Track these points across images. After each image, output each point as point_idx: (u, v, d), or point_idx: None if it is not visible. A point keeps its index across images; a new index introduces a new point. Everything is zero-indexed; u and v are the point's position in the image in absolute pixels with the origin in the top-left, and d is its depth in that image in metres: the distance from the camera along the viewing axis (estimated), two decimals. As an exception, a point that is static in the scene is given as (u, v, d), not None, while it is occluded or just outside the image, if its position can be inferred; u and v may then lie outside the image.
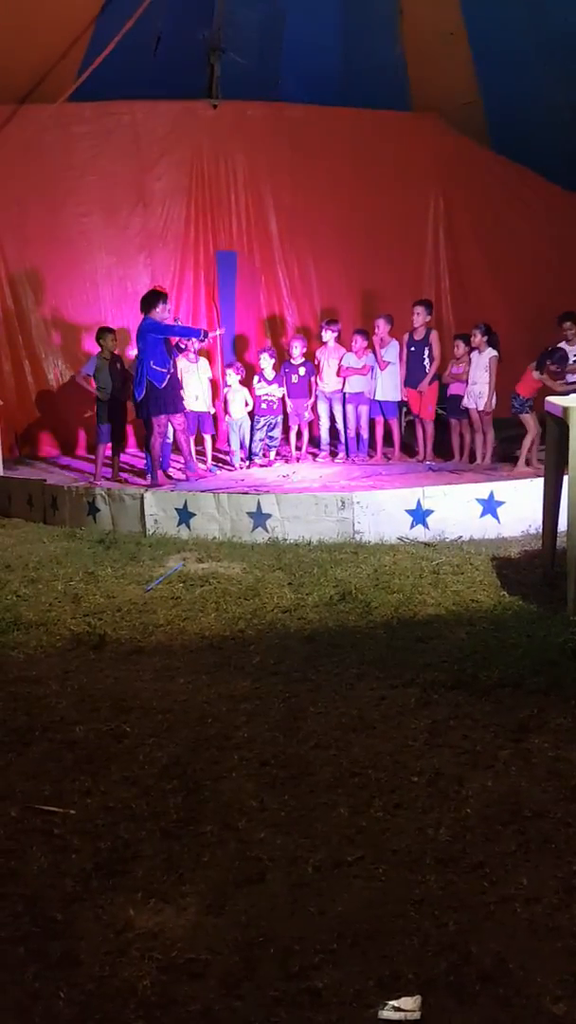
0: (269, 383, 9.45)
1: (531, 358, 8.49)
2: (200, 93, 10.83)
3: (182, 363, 9.28)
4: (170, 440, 9.09)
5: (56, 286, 10.34)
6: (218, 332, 9.42)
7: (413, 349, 9.13)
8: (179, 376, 9.22)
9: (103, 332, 8.99)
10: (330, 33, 10.58)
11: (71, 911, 2.69)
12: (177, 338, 8.76)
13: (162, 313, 8.42)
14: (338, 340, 9.61)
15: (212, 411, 9.52)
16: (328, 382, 9.54)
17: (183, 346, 8.96)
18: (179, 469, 9.15)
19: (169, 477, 8.89)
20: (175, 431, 8.74)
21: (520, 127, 10.61)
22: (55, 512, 8.07)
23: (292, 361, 9.57)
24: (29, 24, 9.01)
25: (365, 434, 9.59)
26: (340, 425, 9.68)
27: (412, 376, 9.15)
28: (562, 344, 8.47)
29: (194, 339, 8.97)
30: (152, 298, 8.46)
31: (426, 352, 9.06)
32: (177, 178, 10.74)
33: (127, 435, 9.56)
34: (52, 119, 10.09)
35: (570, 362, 8.42)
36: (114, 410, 8.91)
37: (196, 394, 9.27)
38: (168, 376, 8.37)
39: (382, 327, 9.26)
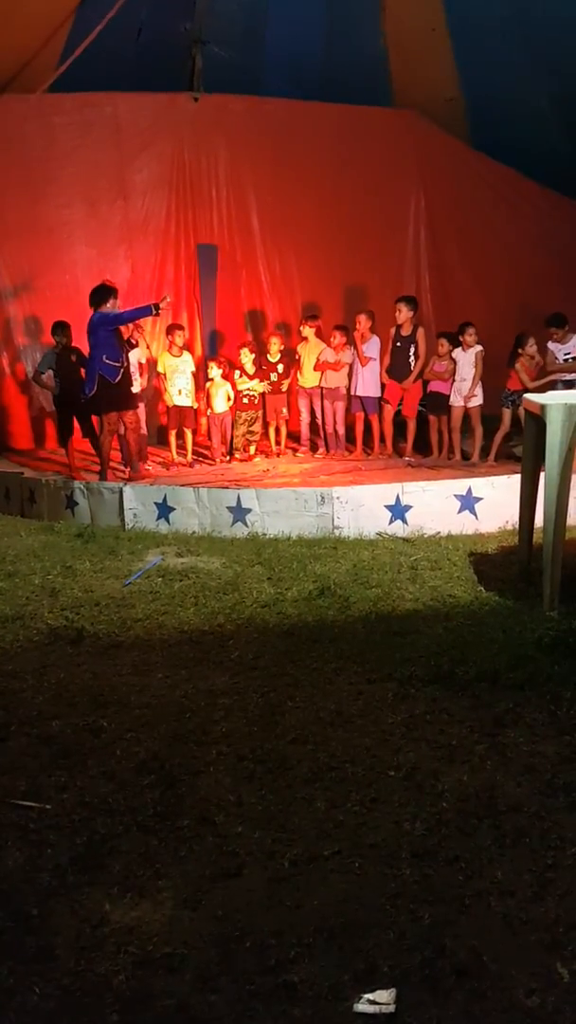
0: (250, 378, 9.42)
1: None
2: (182, 86, 10.77)
3: (167, 358, 9.23)
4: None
5: (35, 278, 10.26)
6: (166, 299, 9.04)
7: (399, 344, 9.12)
8: (165, 372, 9.18)
9: (59, 326, 8.90)
10: (312, 27, 10.54)
11: (47, 906, 2.68)
12: (130, 331, 8.50)
13: (112, 308, 8.27)
14: (318, 335, 9.61)
15: (195, 406, 9.46)
16: (308, 377, 9.54)
17: (134, 342, 8.78)
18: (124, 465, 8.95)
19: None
20: (126, 428, 8.57)
21: (501, 124, 10.62)
22: (33, 505, 8.02)
23: (270, 358, 9.55)
24: (8, 13, 8.91)
25: (341, 430, 9.58)
26: (320, 420, 9.68)
27: (396, 371, 9.15)
28: (550, 344, 8.53)
29: (148, 317, 8.66)
30: (103, 293, 8.24)
31: (412, 349, 9.06)
32: (158, 171, 10.68)
33: (92, 424, 9.26)
34: (32, 110, 10.00)
35: (559, 360, 8.47)
36: (74, 402, 8.80)
37: (179, 388, 9.23)
38: (121, 371, 8.23)
39: (363, 323, 9.25)
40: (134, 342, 8.79)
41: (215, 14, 10.42)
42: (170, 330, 9.20)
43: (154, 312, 8.45)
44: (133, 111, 10.51)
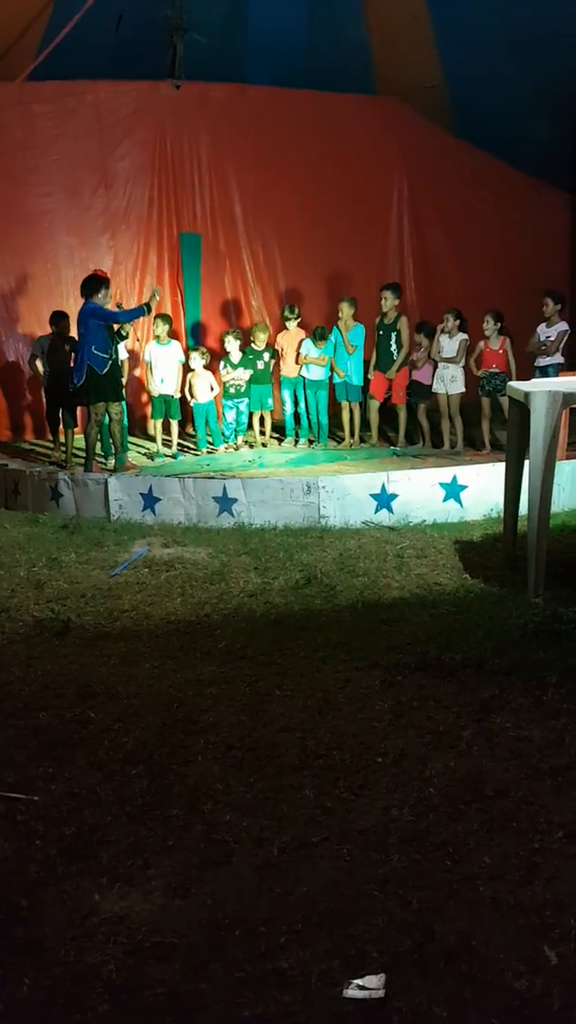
0: (235, 367, 9.38)
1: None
2: (163, 73, 10.70)
3: (152, 346, 9.19)
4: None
5: (17, 267, 10.18)
6: (156, 297, 8.80)
7: (382, 333, 9.12)
8: (151, 360, 9.16)
9: (55, 315, 8.97)
10: (294, 14, 10.50)
11: (36, 897, 2.67)
12: (119, 324, 8.43)
13: (103, 299, 8.22)
14: (300, 325, 9.58)
15: (178, 395, 9.40)
16: (290, 367, 9.51)
17: (124, 333, 8.74)
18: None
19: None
20: (111, 420, 8.54)
21: (483, 111, 10.63)
22: (17, 497, 7.98)
23: (256, 347, 9.51)
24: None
25: (324, 419, 9.57)
26: (303, 410, 9.66)
27: (380, 361, 9.14)
28: (539, 327, 8.55)
29: (142, 317, 8.72)
30: (95, 283, 8.21)
31: (394, 337, 9.05)
32: (140, 159, 10.62)
33: (76, 415, 9.16)
34: (12, 97, 9.93)
35: (539, 340, 8.49)
36: (63, 390, 8.77)
37: (163, 377, 9.19)
38: (110, 362, 8.19)
39: (346, 311, 9.22)
40: (124, 333, 8.75)
41: (195, 1, 10.34)
42: (155, 319, 9.17)
43: (146, 312, 8.47)
44: (114, 99, 10.44)
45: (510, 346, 8.60)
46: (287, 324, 9.60)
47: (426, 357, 8.94)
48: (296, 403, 9.68)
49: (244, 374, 9.39)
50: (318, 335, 9.24)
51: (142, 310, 8.49)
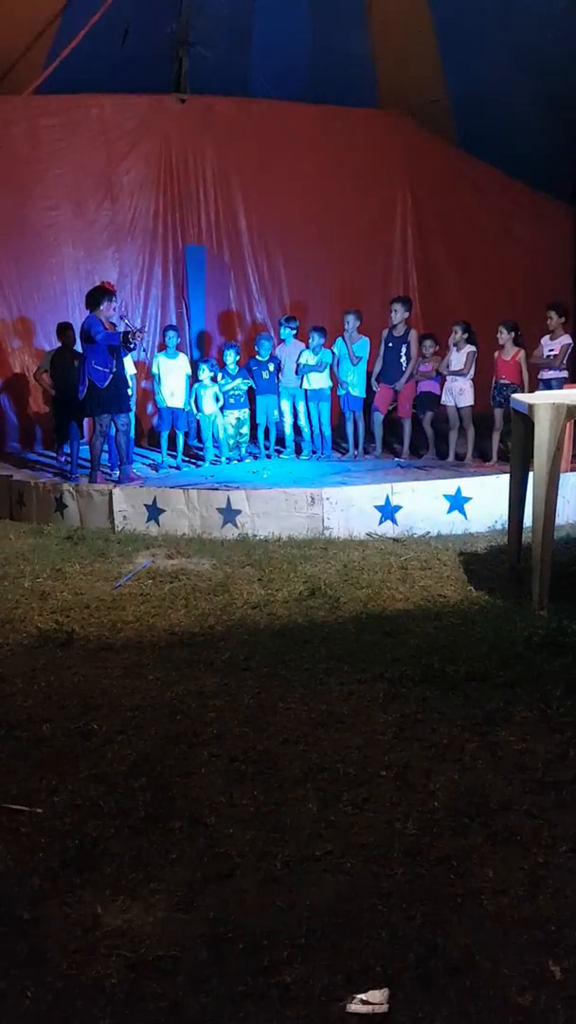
0: (233, 378, 9.40)
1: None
2: (168, 87, 10.78)
3: (160, 358, 9.22)
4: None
5: (22, 279, 10.24)
6: (137, 330, 8.79)
7: (391, 345, 9.13)
8: (158, 372, 9.18)
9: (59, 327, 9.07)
10: (299, 28, 10.57)
11: (38, 910, 2.67)
12: (136, 336, 8.39)
13: (106, 311, 8.20)
14: (297, 337, 9.58)
15: (187, 408, 9.41)
16: (289, 379, 9.52)
17: (132, 345, 8.72)
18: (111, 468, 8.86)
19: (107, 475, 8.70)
20: (117, 431, 8.47)
21: (487, 124, 10.67)
22: (22, 508, 8.00)
23: (259, 358, 9.53)
24: (-6, 14, 8.92)
25: (327, 431, 9.58)
26: (303, 422, 9.66)
27: (388, 373, 9.14)
28: (543, 339, 8.53)
29: (115, 346, 8.65)
30: (97, 295, 8.20)
31: (403, 349, 9.06)
32: (145, 172, 10.69)
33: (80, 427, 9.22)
34: (18, 111, 10.00)
35: (544, 356, 8.47)
36: (69, 404, 8.79)
37: (172, 390, 9.21)
38: (111, 376, 8.17)
39: (351, 323, 9.24)
40: (132, 346, 8.70)
41: (201, 15, 10.43)
42: (165, 331, 9.20)
43: (119, 342, 8.22)
44: (120, 112, 10.52)
45: (524, 358, 8.55)
46: (284, 337, 9.61)
47: (436, 369, 8.97)
48: (296, 415, 9.68)
49: (243, 383, 9.39)
50: (316, 337, 9.25)
51: (116, 337, 8.21)
